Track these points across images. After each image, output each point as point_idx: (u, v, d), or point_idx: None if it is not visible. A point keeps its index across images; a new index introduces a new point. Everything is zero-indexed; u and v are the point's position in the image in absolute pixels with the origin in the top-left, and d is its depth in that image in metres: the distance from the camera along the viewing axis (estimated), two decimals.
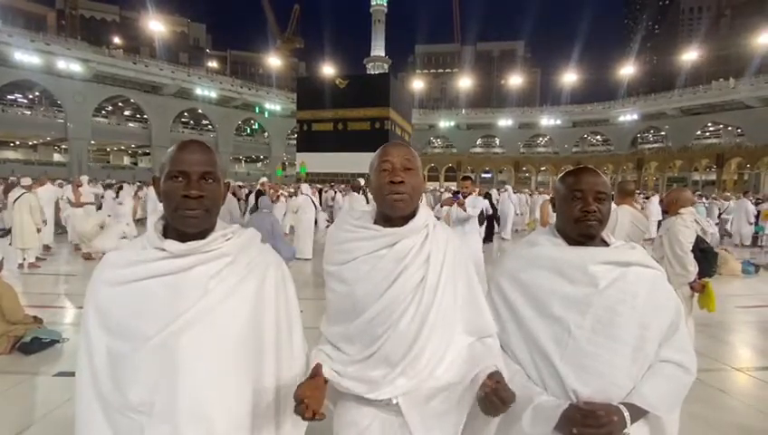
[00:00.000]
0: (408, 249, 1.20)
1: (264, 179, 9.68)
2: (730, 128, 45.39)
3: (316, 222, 10.15)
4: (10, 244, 8.15)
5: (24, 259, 7.68)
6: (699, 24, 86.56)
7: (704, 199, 16.63)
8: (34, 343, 4.01)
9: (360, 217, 1.31)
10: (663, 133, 50.64)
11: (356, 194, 9.26)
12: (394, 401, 1.19)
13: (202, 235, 1.06)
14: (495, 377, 1.08)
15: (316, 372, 1.13)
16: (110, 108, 43.64)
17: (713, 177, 42.62)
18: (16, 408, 3.11)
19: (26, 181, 8.16)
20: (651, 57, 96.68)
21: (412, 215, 1.25)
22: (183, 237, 1.04)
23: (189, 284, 1.01)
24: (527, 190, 22.04)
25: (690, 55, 54.61)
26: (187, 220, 1.02)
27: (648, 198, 15.48)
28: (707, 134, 48.82)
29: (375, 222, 1.27)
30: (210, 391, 1.01)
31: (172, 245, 1.02)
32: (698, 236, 3.57)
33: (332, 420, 1.31)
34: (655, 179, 47.12)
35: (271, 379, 1.12)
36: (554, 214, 1.37)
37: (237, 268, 1.08)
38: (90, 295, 1.05)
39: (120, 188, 12.71)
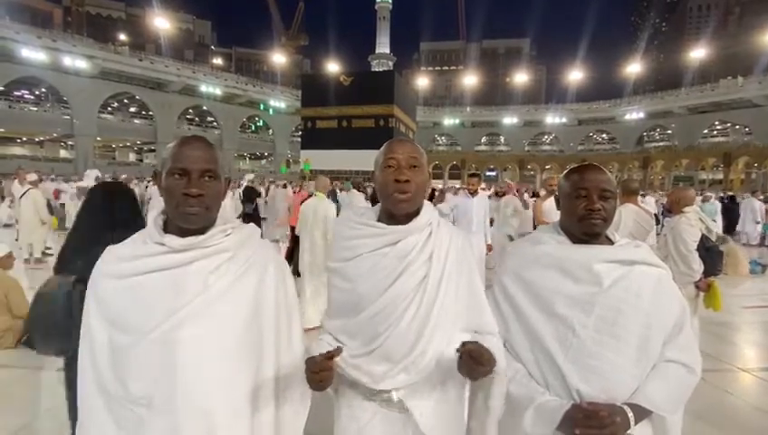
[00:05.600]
0: (410, 247, 1.20)
1: (251, 176, 10.20)
2: (738, 126, 44.92)
3: None
4: (16, 239, 8.22)
5: (31, 254, 7.73)
6: (707, 22, 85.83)
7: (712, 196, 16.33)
8: None
9: (363, 213, 1.30)
10: (669, 132, 50.20)
11: (355, 191, 9.30)
12: (395, 399, 1.19)
13: (202, 230, 1.07)
14: (469, 344, 1.07)
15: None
16: (115, 104, 43.70)
17: (720, 176, 42.27)
18: (21, 401, 3.14)
19: (32, 177, 8.21)
20: (658, 55, 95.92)
21: (416, 213, 1.24)
22: (183, 233, 1.05)
23: (189, 278, 1.02)
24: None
25: (697, 53, 54.12)
26: (188, 217, 1.03)
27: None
28: (714, 133, 48.30)
29: (378, 219, 1.26)
30: (209, 384, 1.01)
31: (172, 240, 1.03)
32: (703, 235, 3.55)
33: (332, 416, 1.31)
34: (661, 178, 46.80)
35: (270, 373, 1.12)
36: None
37: (237, 264, 1.08)
38: (91, 288, 1.06)
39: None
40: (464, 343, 1.07)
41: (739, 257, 8.41)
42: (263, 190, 13.56)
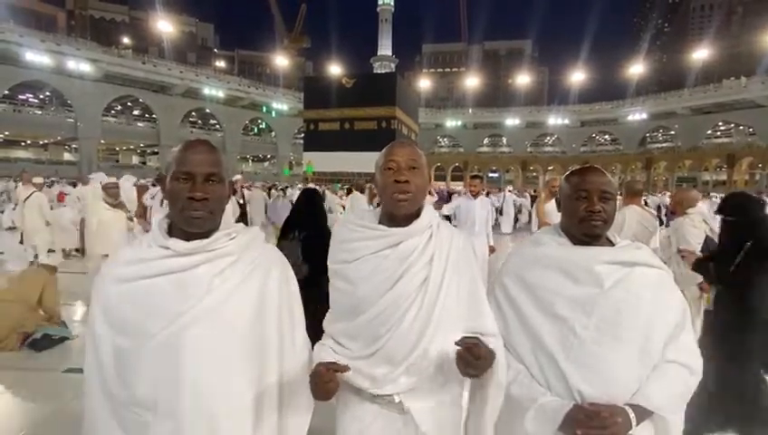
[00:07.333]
0: (411, 249, 1.20)
1: (238, 177, 10.49)
2: (741, 127, 44.74)
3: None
4: (21, 242, 8.27)
5: (36, 256, 7.77)
6: (710, 22, 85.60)
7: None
8: (44, 340, 4.06)
9: (363, 216, 1.31)
10: (672, 133, 50.05)
11: (358, 193, 9.28)
12: (396, 400, 1.20)
13: (206, 234, 1.07)
14: (468, 339, 1.08)
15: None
16: (119, 107, 43.92)
17: (723, 177, 42.10)
18: (26, 403, 3.16)
19: (38, 180, 8.27)
20: (661, 56, 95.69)
21: (416, 215, 1.25)
22: (188, 236, 1.06)
23: (194, 282, 1.03)
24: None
25: (700, 54, 53.86)
26: (192, 221, 1.04)
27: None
28: (718, 133, 48.12)
29: (379, 222, 1.27)
30: (213, 388, 1.02)
31: (177, 243, 1.04)
32: (707, 236, 3.54)
33: (335, 416, 1.32)
34: (664, 179, 46.66)
35: (274, 376, 1.13)
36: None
37: (241, 267, 1.09)
38: (96, 292, 1.06)
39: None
40: (463, 338, 1.09)
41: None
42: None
